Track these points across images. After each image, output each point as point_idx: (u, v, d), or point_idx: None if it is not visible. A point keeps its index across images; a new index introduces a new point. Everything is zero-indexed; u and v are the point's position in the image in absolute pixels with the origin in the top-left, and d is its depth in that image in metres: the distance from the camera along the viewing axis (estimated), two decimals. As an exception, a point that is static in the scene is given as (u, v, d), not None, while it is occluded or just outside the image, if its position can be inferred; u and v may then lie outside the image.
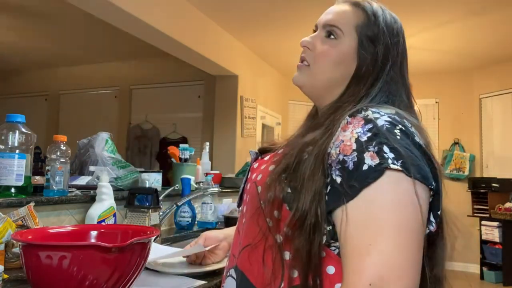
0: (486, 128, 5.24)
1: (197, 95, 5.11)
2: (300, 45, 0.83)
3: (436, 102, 5.52)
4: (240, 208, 0.86)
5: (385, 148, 0.64)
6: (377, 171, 0.62)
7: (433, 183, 0.65)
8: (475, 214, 4.80)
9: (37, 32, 4.55)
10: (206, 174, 2.26)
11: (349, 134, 0.68)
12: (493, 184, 4.70)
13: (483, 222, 4.68)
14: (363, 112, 0.70)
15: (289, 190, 0.69)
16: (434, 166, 0.67)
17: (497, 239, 4.51)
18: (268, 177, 0.73)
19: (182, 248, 1.21)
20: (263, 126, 5.33)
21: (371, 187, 0.62)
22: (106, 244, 0.72)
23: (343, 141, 0.68)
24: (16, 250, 1.05)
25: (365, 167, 0.63)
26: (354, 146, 0.66)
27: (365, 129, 0.67)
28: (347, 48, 0.79)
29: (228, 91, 4.63)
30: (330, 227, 0.66)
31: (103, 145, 1.73)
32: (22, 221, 1.10)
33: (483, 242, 4.66)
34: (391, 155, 0.63)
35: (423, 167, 0.64)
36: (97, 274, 0.73)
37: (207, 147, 2.56)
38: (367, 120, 0.68)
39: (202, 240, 1.15)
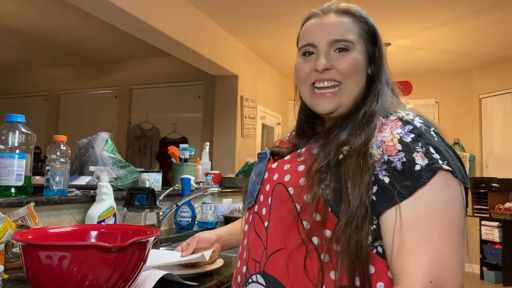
0: (486, 128, 5.24)
1: (197, 95, 5.12)
2: (319, 70, 0.78)
3: (436, 102, 5.52)
4: (254, 209, 0.82)
5: (431, 149, 0.67)
6: (430, 171, 0.64)
7: (468, 183, 0.69)
8: (475, 214, 4.80)
9: (37, 32, 4.55)
10: (206, 174, 2.26)
11: (389, 135, 0.70)
12: (493, 184, 4.70)
13: (483, 222, 4.68)
14: (394, 114, 0.73)
15: (328, 191, 0.69)
16: (464, 166, 0.70)
17: (497, 239, 4.51)
18: (304, 178, 0.72)
19: (174, 250, 1.19)
20: (263, 126, 5.34)
21: (425, 186, 0.64)
22: (106, 244, 0.72)
23: (384, 142, 0.69)
24: (16, 250, 1.05)
25: (417, 167, 0.65)
26: (399, 147, 0.67)
27: (406, 130, 0.69)
28: (362, 55, 0.80)
29: (228, 91, 4.63)
30: (374, 227, 0.67)
31: (103, 145, 1.73)
32: (22, 221, 1.10)
33: (483, 242, 4.65)
34: (437, 156, 0.66)
35: (461, 167, 0.68)
36: (97, 274, 0.73)
37: (207, 147, 2.56)
38: (405, 122, 0.71)
39: (195, 242, 1.14)
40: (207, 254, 1.09)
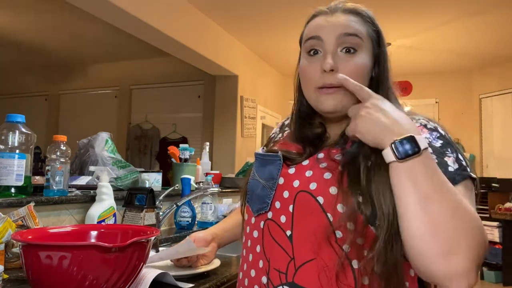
0: (486, 128, 5.24)
1: (197, 95, 5.12)
2: (326, 70, 0.75)
3: (436, 102, 5.53)
4: (266, 216, 0.78)
5: (459, 156, 0.70)
6: (460, 175, 0.68)
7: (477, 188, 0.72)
8: (475, 214, 4.79)
9: (37, 32, 4.55)
10: (206, 174, 2.26)
11: None
12: (493, 184, 4.70)
13: (483, 222, 4.67)
14: (415, 121, 0.75)
15: (361, 200, 0.68)
16: None
17: (497, 239, 4.50)
18: (335, 187, 0.70)
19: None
20: (263, 126, 5.34)
21: (456, 186, 0.66)
22: (106, 244, 0.72)
23: None
24: (16, 250, 1.05)
25: (450, 168, 0.68)
26: (429, 150, 0.68)
27: (433, 136, 0.72)
28: (369, 58, 0.78)
29: (228, 91, 4.64)
30: None
31: (103, 145, 1.73)
32: (22, 221, 1.10)
33: (483, 242, 4.65)
34: (465, 163, 0.70)
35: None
36: (97, 274, 0.73)
37: (207, 147, 2.56)
38: (430, 129, 0.74)
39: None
40: (202, 250, 1.09)
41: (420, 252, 0.61)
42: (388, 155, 0.63)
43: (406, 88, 5.50)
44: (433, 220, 0.60)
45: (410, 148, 0.61)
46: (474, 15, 3.70)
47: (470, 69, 5.31)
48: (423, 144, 0.62)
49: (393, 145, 0.63)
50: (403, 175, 0.62)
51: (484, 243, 0.61)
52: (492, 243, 4.56)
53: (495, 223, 4.53)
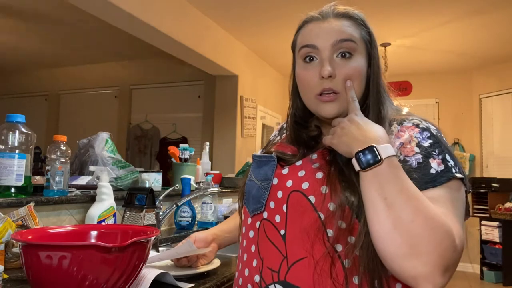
0: (486, 128, 5.24)
1: (197, 95, 5.12)
2: (325, 77, 0.76)
3: (436, 102, 5.53)
4: (262, 216, 0.79)
5: (447, 156, 0.70)
6: (443, 177, 0.68)
7: (470, 188, 0.72)
8: (475, 214, 4.80)
9: (37, 32, 4.55)
10: (206, 174, 2.26)
11: (408, 137, 0.72)
12: (493, 184, 4.70)
13: (483, 222, 4.68)
14: (407, 121, 0.76)
15: (353, 199, 0.69)
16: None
17: (497, 239, 4.51)
18: (325, 186, 0.71)
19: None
20: (263, 126, 5.34)
21: (436, 189, 0.67)
22: (106, 244, 0.72)
23: (402, 143, 0.72)
24: (16, 250, 1.05)
25: (432, 170, 0.68)
26: (416, 150, 0.71)
27: (424, 136, 0.73)
28: (364, 60, 0.79)
29: (228, 91, 4.64)
30: None
31: (103, 145, 1.73)
32: (22, 221, 1.10)
33: (483, 242, 4.66)
34: (452, 163, 0.70)
35: (465, 173, 0.72)
36: (97, 274, 0.73)
37: (207, 147, 2.56)
38: (421, 128, 0.74)
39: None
40: (202, 251, 1.09)
41: (383, 253, 0.64)
42: (355, 164, 0.67)
43: (406, 88, 5.50)
44: (392, 225, 0.62)
45: (371, 158, 0.66)
46: (474, 15, 3.70)
47: (470, 69, 5.31)
48: (385, 153, 0.65)
49: (356, 155, 0.67)
50: (367, 182, 0.66)
51: (452, 248, 0.61)
52: (492, 243, 4.57)
53: (495, 223, 4.53)
